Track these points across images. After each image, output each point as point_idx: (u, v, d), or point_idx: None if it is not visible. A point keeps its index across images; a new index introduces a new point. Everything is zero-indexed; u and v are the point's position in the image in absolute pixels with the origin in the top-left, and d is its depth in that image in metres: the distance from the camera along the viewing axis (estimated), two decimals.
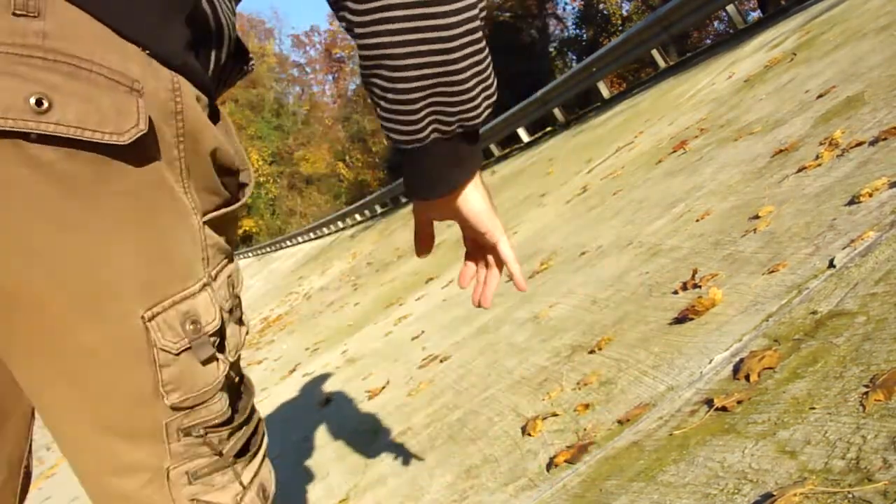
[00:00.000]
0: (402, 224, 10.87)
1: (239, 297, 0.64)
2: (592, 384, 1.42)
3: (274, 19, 73.70)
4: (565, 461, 1.19)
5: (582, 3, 24.15)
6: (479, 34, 0.53)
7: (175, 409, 0.51)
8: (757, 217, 1.73)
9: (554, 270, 2.56)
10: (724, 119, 3.21)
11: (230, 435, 0.56)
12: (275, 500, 0.61)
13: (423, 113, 0.54)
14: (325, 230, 21.03)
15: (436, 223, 0.68)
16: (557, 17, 25.59)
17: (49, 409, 0.52)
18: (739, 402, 1.02)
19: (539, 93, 10.68)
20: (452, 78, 0.53)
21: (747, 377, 1.07)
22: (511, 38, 21.98)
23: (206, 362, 0.52)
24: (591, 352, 1.58)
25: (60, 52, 0.43)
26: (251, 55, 0.65)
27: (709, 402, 1.07)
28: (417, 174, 0.60)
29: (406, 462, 1.67)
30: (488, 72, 0.56)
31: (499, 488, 1.25)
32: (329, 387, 3.10)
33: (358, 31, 0.51)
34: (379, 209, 17.52)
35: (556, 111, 10.87)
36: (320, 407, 2.82)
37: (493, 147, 13.12)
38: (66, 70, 0.43)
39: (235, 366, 0.59)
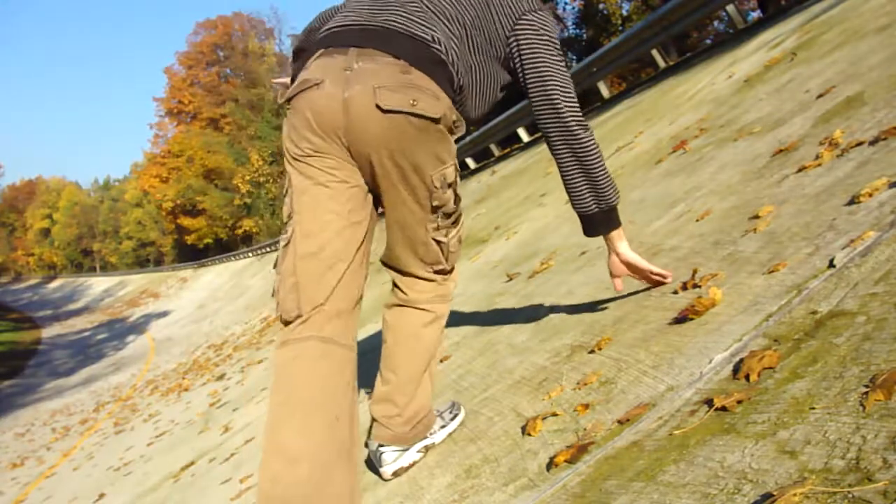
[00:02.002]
0: None
1: (458, 170, 1.43)
2: (592, 384, 1.42)
3: (274, 19, 73.65)
4: (565, 461, 1.19)
5: (582, 3, 24.14)
6: (602, 158, 1.49)
7: (434, 210, 1.38)
8: (757, 217, 1.73)
9: (554, 270, 2.56)
10: (724, 119, 3.21)
11: (453, 214, 1.44)
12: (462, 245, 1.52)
13: (589, 198, 1.51)
14: None
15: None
16: (557, 17, 25.54)
17: (394, 208, 1.41)
18: (739, 402, 1.02)
19: None
20: (598, 182, 1.48)
21: (747, 377, 1.07)
22: None
23: (448, 191, 1.38)
24: (591, 352, 1.58)
25: (418, 85, 1.27)
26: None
27: (709, 402, 1.07)
28: (590, 227, 1.57)
29: None
30: (610, 177, 1.49)
31: (499, 488, 1.25)
32: None
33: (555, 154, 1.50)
34: (379, 209, 17.50)
35: None
36: None
37: (493, 147, 13.12)
38: (420, 91, 1.27)
39: (457, 195, 1.42)
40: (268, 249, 25.71)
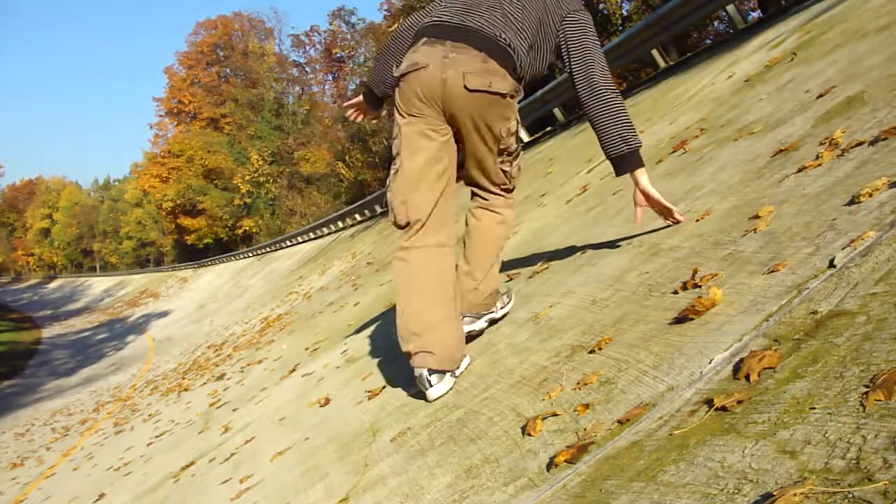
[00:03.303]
0: None
1: (519, 123, 2.00)
2: (592, 384, 1.42)
3: (274, 19, 73.66)
4: (565, 461, 1.19)
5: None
6: (627, 113, 1.98)
7: (500, 152, 2.00)
8: (757, 217, 1.73)
9: (554, 270, 2.55)
10: (724, 119, 3.21)
11: (514, 152, 2.05)
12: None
13: (620, 142, 1.96)
14: (325, 230, 21.02)
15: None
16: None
17: (474, 152, 2.00)
18: (739, 402, 1.02)
19: (539, 93, 10.67)
20: (626, 131, 1.95)
21: (747, 377, 1.07)
22: None
23: (511, 138, 1.99)
24: (591, 352, 1.58)
25: (492, 70, 1.86)
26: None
27: (709, 402, 1.07)
28: (620, 166, 2.01)
29: (406, 462, 1.67)
30: (634, 127, 1.97)
31: (499, 488, 1.25)
32: (329, 387, 3.10)
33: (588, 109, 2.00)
34: (379, 209, 17.51)
35: (556, 111, 10.87)
36: (320, 407, 2.81)
37: None
38: (494, 75, 1.86)
39: (518, 139, 2.02)
40: (268, 249, 25.71)
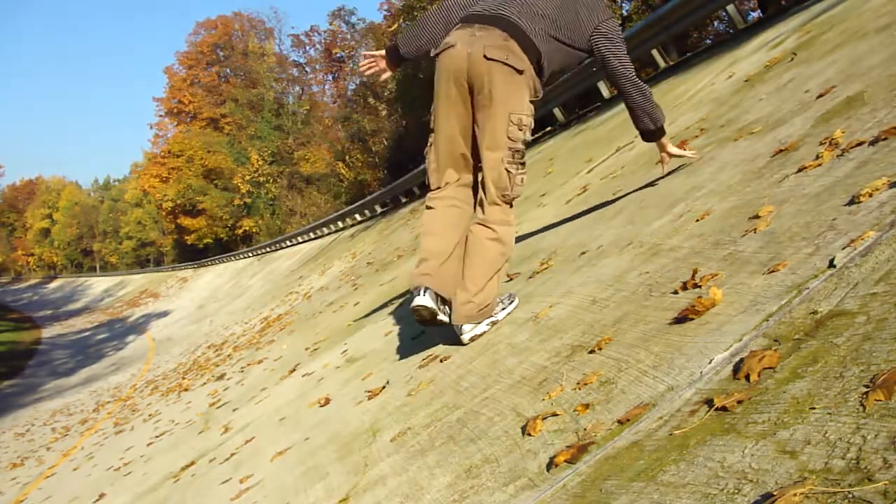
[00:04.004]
0: (402, 224, 10.85)
1: (533, 112, 2.23)
2: (592, 384, 1.42)
3: (274, 19, 73.61)
4: (565, 461, 1.19)
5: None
6: (653, 100, 2.51)
7: (508, 139, 2.16)
8: (757, 217, 1.73)
9: (554, 270, 2.55)
10: (724, 119, 3.21)
11: (523, 153, 2.20)
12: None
13: (648, 120, 2.52)
14: (325, 230, 21.01)
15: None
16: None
17: (484, 131, 2.18)
18: (739, 402, 1.02)
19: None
20: (653, 112, 2.49)
21: (747, 377, 1.07)
22: None
23: (520, 132, 2.16)
24: (591, 352, 1.58)
25: (511, 49, 2.14)
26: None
27: (709, 402, 1.07)
28: (647, 137, 2.62)
29: (406, 462, 1.67)
30: (659, 108, 2.53)
31: (499, 488, 1.25)
32: (329, 387, 3.10)
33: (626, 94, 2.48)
34: (379, 209, 17.51)
35: (556, 111, 10.87)
36: (320, 407, 2.81)
37: None
38: (511, 52, 2.13)
39: (525, 143, 2.19)
40: (268, 249, 25.71)
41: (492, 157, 2.18)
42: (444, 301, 2.21)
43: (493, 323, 2.28)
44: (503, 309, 2.33)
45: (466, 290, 2.20)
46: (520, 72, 2.12)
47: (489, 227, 2.22)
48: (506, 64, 2.11)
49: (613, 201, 3.06)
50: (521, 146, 2.18)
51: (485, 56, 2.10)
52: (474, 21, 2.21)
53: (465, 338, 2.25)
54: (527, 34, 2.16)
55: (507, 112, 2.13)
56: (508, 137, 2.15)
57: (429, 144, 2.33)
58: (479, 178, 2.29)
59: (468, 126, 2.23)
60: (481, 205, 2.26)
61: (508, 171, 2.18)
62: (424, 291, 2.16)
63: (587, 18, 2.29)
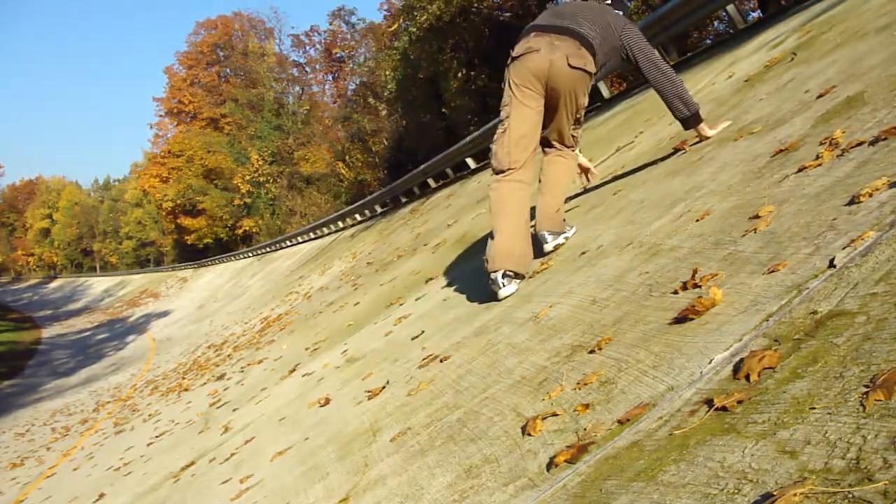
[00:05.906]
0: (402, 224, 10.85)
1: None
2: (592, 384, 1.42)
3: (274, 19, 73.50)
4: (565, 461, 1.19)
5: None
6: (684, 88, 2.90)
7: (576, 120, 2.85)
8: (757, 217, 1.73)
9: (554, 270, 2.56)
10: (724, 119, 3.21)
11: (581, 120, 2.87)
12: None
13: (683, 108, 2.88)
14: (325, 230, 21.01)
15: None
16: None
17: (560, 115, 2.77)
18: (739, 402, 1.02)
19: None
20: (687, 100, 2.86)
21: (747, 377, 1.07)
22: (512, 38, 21.94)
23: (583, 111, 2.84)
24: (591, 352, 1.58)
25: (583, 55, 2.66)
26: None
27: (709, 402, 1.07)
28: (685, 124, 2.94)
29: (406, 462, 1.67)
30: (691, 97, 2.90)
31: (499, 488, 1.25)
32: (329, 387, 3.10)
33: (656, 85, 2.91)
34: (379, 209, 17.49)
35: None
36: (320, 407, 2.81)
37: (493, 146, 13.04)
38: (585, 58, 2.66)
39: (582, 106, 2.82)
40: (268, 249, 25.70)
41: (566, 129, 2.82)
42: (517, 275, 2.61)
43: (567, 238, 2.80)
44: (571, 228, 2.86)
45: (555, 199, 2.79)
46: (591, 74, 2.69)
47: (561, 155, 2.88)
48: (584, 70, 2.64)
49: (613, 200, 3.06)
50: (581, 115, 2.82)
51: (570, 65, 2.61)
52: (548, 31, 2.70)
53: (549, 247, 2.76)
54: (592, 43, 2.67)
55: (580, 101, 2.74)
56: (576, 115, 2.79)
57: (501, 131, 2.72)
58: (546, 141, 2.87)
59: (539, 116, 2.70)
60: (550, 149, 2.90)
61: (574, 136, 2.87)
62: (504, 277, 2.56)
63: (614, 24, 2.80)
